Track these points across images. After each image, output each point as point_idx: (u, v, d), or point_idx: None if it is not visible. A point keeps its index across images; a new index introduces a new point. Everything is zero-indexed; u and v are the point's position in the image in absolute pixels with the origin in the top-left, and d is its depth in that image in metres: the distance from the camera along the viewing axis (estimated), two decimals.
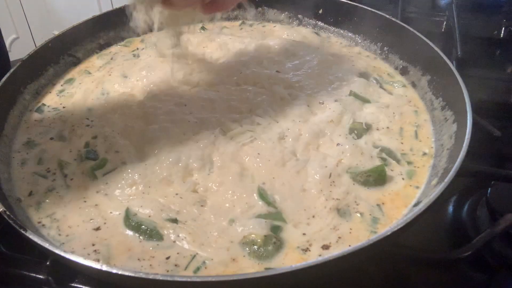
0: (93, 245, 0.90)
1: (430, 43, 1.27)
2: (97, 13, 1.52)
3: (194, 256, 0.88)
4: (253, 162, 1.06)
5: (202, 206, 0.97)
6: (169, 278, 0.72)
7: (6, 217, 0.83)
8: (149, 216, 0.94)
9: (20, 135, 1.19)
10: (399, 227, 0.78)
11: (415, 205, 0.98)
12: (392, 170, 1.06)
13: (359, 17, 1.53)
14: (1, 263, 0.92)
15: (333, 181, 1.02)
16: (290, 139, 1.12)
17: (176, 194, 0.99)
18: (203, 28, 1.65)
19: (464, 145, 0.94)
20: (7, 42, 3.18)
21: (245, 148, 1.09)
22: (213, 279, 0.73)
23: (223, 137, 1.11)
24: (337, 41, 1.58)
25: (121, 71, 1.41)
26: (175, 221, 0.94)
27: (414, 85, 1.34)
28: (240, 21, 1.70)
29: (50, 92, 1.35)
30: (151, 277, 0.72)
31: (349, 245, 0.89)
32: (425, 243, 1.01)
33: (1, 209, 0.85)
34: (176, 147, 1.08)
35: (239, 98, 1.24)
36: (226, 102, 1.23)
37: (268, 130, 1.14)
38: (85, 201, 1.00)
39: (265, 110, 1.20)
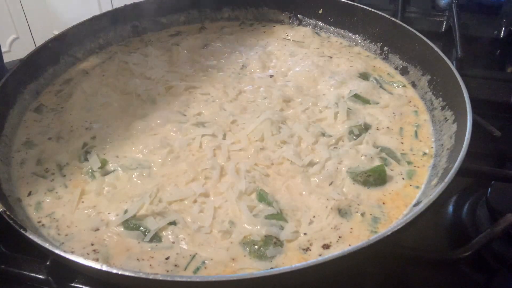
0: (92, 244, 0.90)
1: (430, 43, 1.27)
2: (97, 13, 1.52)
3: (194, 256, 0.88)
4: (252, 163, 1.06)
5: (201, 207, 0.97)
6: (169, 278, 0.72)
7: (6, 217, 0.83)
8: (148, 218, 0.94)
9: (19, 135, 1.18)
10: (399, 227, 0.78)
11: (415, 205, 0.98)
12: (392, 170, 1.06)
13: (359, 17, 1.52)
14: (1, 263, 0.92)
15: (334, 181, 1.02)
16: (292, 141, 1.12)
17: (176, 198, 0.99)
18: (203, 28, 1.65)
19: (464, 145, 0.94)
20: (7, 42, 3.17)
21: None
22: (213, 279, 0.73)
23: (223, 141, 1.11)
24: (337, 41, 1.57)
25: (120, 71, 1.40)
26: (173, 223, 0.93)
27: (414, 85, 1.34)
28: (240, 21, 1.70)
29: (49, 92, 1.35)
30: (151, 277, 0.72)
31: (349, 245, 0.89)
32: (425, 243, 1.01)
33: (1, 209, 0.85)
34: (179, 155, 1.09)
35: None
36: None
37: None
38: (83, 202, 1.00)
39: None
